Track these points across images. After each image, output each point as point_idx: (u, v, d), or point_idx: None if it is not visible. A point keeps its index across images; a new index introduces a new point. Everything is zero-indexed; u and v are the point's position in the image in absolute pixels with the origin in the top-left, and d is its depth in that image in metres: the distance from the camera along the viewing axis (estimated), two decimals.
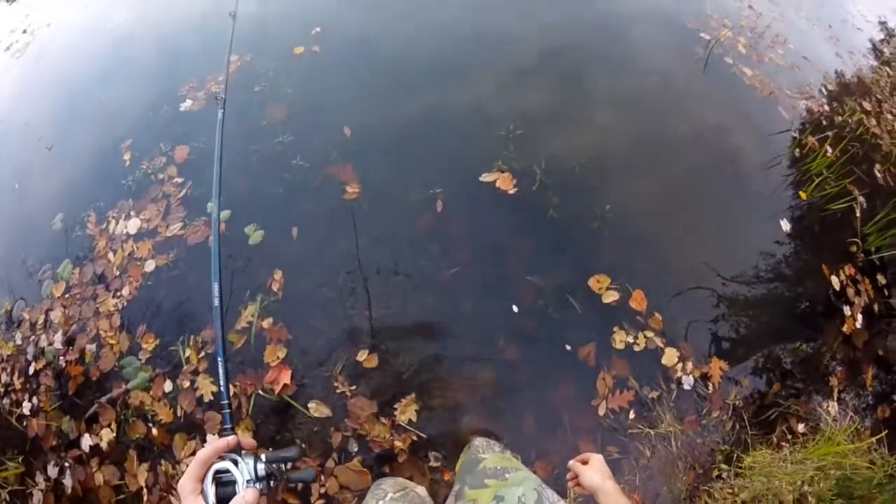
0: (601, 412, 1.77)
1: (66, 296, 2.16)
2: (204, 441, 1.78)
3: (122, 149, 2.42)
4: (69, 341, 2.07)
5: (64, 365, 2.03)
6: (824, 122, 2.59)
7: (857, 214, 2.31)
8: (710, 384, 1.87)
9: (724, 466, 1.76)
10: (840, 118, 2.65)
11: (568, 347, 1.84)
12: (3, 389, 2.12)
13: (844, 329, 2.08)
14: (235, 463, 0.63)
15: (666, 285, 1.98)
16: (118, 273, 2.12)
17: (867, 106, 2.79)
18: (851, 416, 1.91)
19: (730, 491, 1.69)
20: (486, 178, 2.11)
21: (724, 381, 1.89)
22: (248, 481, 0.62)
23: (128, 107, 2.63)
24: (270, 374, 1.82)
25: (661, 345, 1.86)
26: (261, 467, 0.64)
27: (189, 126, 2.41)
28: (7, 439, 2.04)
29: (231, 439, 0.65)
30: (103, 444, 1.88)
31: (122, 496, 1.82)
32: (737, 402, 1.86)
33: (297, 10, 2.86)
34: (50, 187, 2.54)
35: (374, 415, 1.76)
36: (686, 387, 1.84)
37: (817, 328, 2.09)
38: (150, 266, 2.08)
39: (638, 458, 1.74)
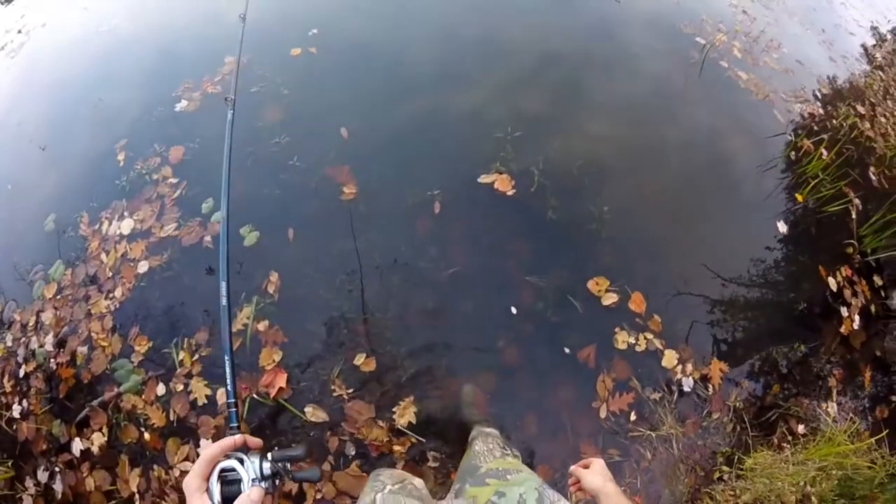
0: (602, 414, 1.75)
1: (58, 297, 2.13)
2: (198, 445, 1.75)
3: (116, 149, 2.40)
4: (60, 343, 2.03)
5: (55, 367, 2.00)
6: (819, 126, 2.61)
7: (853, 216, 2.33)
8: (710, 386, 1.86)
9: (725, 468, 1.75)
10: (834, 121, 2.68)
11: (567, 350, 1.83)
12: None
13: (842, 330, 2.09)
14: (241, 461, 0.62)
15: (665, 287, 1.98)
16: (111, 274, 2.09)
17: (861, 109, 2.83)
18: (851, 417, 1.91)
19: (731, 493, 1.67)
20: (484, 179, 2.11)
21: (724, 383, 1.89)
22: (253, 480, 0.62)
23: (122, 107, 2.61)
24: (266, 377, 1.79)
25: (660, 347, 1.86)
26: (266, 466, 0.64)
27: (184, 127, 2.40)
28: None
29: (237, 438, 0.65)
30: (94, 449, 1.84)
31: (113, 501, 1.78)
32: (737, 404, 1.86)
33: (294, 12, 2.86)
34: (43, 188, 2.50)
35: (371, 419, 1.74)
36: (686, 389, 1.84)
37: (815, 329, 2.09)
38: (143, 267, 2.05)
39: (639, 460, 1.73)
